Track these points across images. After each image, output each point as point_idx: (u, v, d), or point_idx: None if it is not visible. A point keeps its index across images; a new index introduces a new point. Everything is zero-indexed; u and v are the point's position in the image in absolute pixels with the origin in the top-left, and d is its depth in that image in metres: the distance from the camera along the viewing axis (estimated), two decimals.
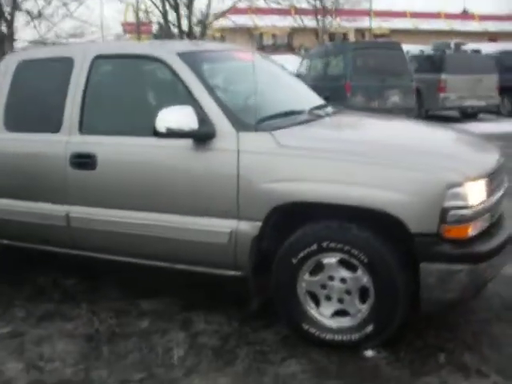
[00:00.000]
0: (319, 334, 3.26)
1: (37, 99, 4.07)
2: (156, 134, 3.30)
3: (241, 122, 3.39)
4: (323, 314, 3.26)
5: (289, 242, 3.24)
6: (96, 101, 3.80)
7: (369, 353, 3.19)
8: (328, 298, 3.24)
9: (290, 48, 31.44)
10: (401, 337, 3.28)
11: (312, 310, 3.28)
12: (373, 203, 3.01)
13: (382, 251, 3.06)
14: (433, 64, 12.85)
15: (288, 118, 3.63)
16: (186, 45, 4.06)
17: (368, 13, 32.32)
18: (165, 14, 19.56)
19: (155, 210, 3.55)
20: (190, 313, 3.77)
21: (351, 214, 3.10)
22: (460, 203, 2.94)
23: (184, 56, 3.61)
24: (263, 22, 28.07)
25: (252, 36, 31.52)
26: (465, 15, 40.31)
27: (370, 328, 3.15)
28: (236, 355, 3.25)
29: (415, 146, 3.39)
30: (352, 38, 31.51)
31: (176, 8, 19.19)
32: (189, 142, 3.40)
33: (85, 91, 3.77)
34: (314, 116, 3.83)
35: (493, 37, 34.11)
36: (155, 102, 3.78)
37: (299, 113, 3.78)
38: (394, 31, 34.60)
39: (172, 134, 3.29)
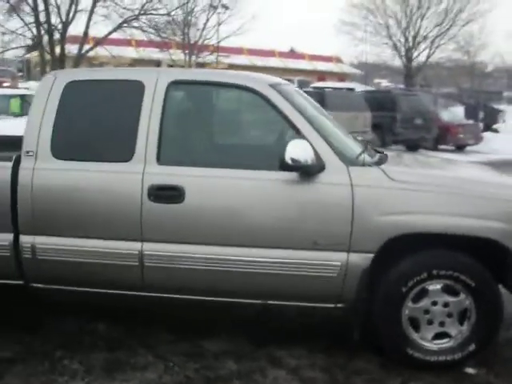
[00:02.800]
0: (423, 357, 3.49)
1: (94, 125, 3.74)
2: (283, 166, 3.33)
3: (345, 156, 3.53)
4: (425, 338, 3.51)
5: (398, 272, 3.44)
6: (178, 130, 3.63)
7: (470, 370, 3.50)
8: (430, 323, 3.50)
9: None
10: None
11: (414, 335, 3.50)
12: (480, 232, 3.37)
13: (486, 275, 3.42)
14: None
15: (371, 155, 3.83)
16: (268, 76, 3.90)
17: (211, 47, 33.35)
18: (39, 38, 18.26)
19: (254, 245, 3.48)
20: (265, 349, 3.75)
21: (455, 242, 3.42)
22: None
23: (276, 87, 3.63)
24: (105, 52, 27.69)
25: (92, 66, 30.72)
26: (294, 54, 43.73)
27: (472, 347, 3.47)
28: None
29: (491, 180, 3.85)
30: None
31: (50, 33, 18.05)
32: (292, 175, 3.43)
33: (162, 119, 3.55)
34: (383, 155, 4.07)
35: (321, 75, 37.33)
36: (250, 133, 3.73)
37: (371, 150, 4.00)
38: (232, 66, 36.17)
39: (296, 167, 3.33)
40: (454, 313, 3.48)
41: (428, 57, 32.69)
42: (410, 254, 3.45)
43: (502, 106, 25.74)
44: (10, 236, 3.67)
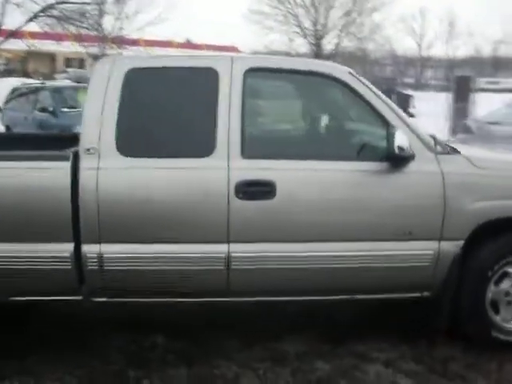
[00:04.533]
0: (506, 337, 3.55)
1: (164, 117, 3.36)
2: (389, 156, 3.21)
3: (429, 144, 3.48)
4: (505, 319, 3.57)
5: (485, 257, 3.47)
6: (260, 120, 3.37)
7: None
8: (509, 304, 3.56)
9: (24, 72, 29.13)
10: None
11: (496, 317, 3.55)
12: None
13: None
14: None
15: (441, 144, 3.79)
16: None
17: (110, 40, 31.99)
18: None
19: (351, 239, 3.35)
20: (343, 345, 3.63)
21: None
22: None
23: (354, 75, 3.47)
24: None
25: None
26: (192, 44, 43.93)
27: None
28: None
29: None
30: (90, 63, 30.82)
31: None
32: (382, 165, 3.34)
33: (242, 108, 3.27)
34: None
35: None
36: (336, 122, 3.53)
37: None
38: None
39: (401, 157, 3.23)
40: None
41: (337, 45, 33.72)
42: (494, 238, 3.48)
43: (409, 92, 27.10)
44: (69, 246, 3.21)
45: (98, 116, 3.23)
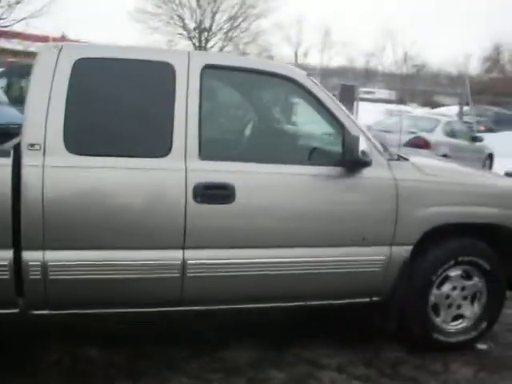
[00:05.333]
0: (446, 339, 3.70)
1: (117, 113, 3.08)
2: (353, 161, 3.19)
3: (381, 150, 3.51)
4: (446, 322, 3.71)
5: (429, 261, 3.57)
6: (219, 121, 3.20)
7: (482, 346, 3.81)
8: (449, 306, 3.71)
9: None
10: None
11: (437, 319, 3.68)
12: (499, 220, 3.69)
13: (497, 258, 3.75)
14: None
15: (389, 150, 3.80)
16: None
17: None
18: None
19: (308, 245, 3.29)
20: (291, 352, 3.57)
21: (473, 230, 3.69)
22: None
23: (310, 78, 3.41)
24: None
25: None
26: (66, 39, 41.50)
27: (484, 325, 3.78)
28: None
29: (476, 171, 4.20)
30: None
31: None
32: (337, 170, 3.32)
33: (200, 107, 3.08)
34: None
35: None
36: (294, 126, 3.44)
37: None
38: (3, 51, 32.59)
39: (365, 163, 3.21)
40: (468, 295, 3.74)
41: (221, 49, 33.54)
42: (439, 244, 3.60)
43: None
44: (8, 253, 2.84)
45: (43, 109, 2.89)
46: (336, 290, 3.45)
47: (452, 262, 3.62)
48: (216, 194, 3.07)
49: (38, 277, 2.88)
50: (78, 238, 2.92)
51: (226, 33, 33.30)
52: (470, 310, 3.76)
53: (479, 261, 3.68)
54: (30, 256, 2.86)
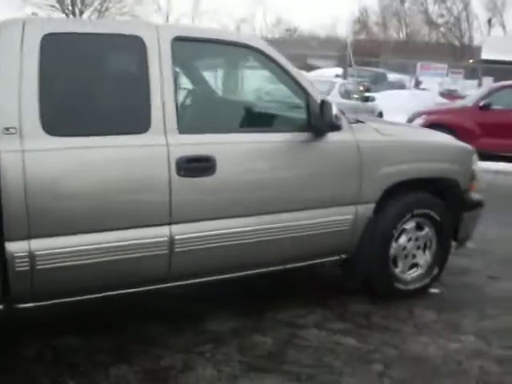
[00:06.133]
0: (405, 287, 3.99)
1: (91, 90, 2.92)
2: (331, 126, 3.29)
3: (343, 114, 3.64)
4: (404, 272, 3.99)
5: (389, 217, 3.80)
6: (192, 93, 3.13)
7: (435, 290, 4.15)
8: (405, 257, 3.99)
9: None
10: None
11: (396, 270, 3.95)
12: (447, 174, 4.00)
13: (445, 210, 4.07)
14: None
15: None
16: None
17: None
18: None
19: (285, 210, 3.37)
20: (270, 317, 3.68)
21: (425, 184, 3.96)
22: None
23: (271, 46, 3.44)
24: None
25: None
26: None
27: (435, 271, 4.11)
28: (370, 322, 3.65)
29: (422, 130, 4.47)
30: None
31: None
32: (306, 135, 3.40)
33: (175, 82, 3.02)
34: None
35: None
36: (262, 94, 3.43)
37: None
38: None
39: (334, 127, 3.32)
40: (421, 245, 4.04)
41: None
42: (398, 199, 3.83)
43: None
44: None
45: (14, 89, 2.67)
46: (311, 251, 3.58)
47: (408, 216, 3.88)
48: (198, 166, 3.05)
49: (25, 268, 2.71)
50: (64, 223, 2.77)
51: (101, 4, 31.84)
52: (423, 259, 4.06)
53: (431, 213, 3.97)
54: (15, 247, 2.68)
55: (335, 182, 3.53)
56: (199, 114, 3.32)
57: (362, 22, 38.78)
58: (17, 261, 2.68)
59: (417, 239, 4.00)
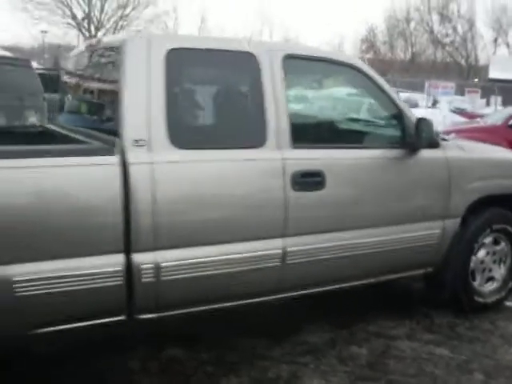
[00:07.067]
0: (484, 300, 4.06)
1: (211, 104, 3.05)
2: (432, 143, 3.39)
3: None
4: (481, 285, 4.07)
5: (472, 231, 3.89)
6: (302, 110, 3.23)
7: (510, 303, 4.22)
8: (483, 271, 4.07)
9: None
10: None
11: (475, 283, 4.03)
12: None
13: None
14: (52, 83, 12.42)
15: None
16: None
17: None
18: None
19: (378, 224, 3.45)
20: (362, 329, 3.75)
21: (502, 200, 4.05)
22: None
23: (369, 66, 3.58)
24: None
25: None
26: None
27: (510, 284, 4.18)
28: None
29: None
30: None
31: None
32: (402, 151, 3.50)
33: (287, 97, 3.11)
34: None
35: None
36: (365, 111, 3.54)
37: None
38: None
39: (434, 144, 3.43)
40: (497, 259, 4.12)
41: None
42: (480, 215, 3.92)
43: None
44: (119, 258, 2.71)
45: (142, 103, 2.77)
46: (400, 265, 3.67)
47: (488, 231, 3.97)
48: (310, 181, 3.14)
49: (151, 279, 2.78)
50: (188, 234, 2.85)
51: (116, 22, 32.22)
52: (499, 273, 4.14)
53: (508, 228, 4.06)
54: (142, 258, 2.75)
55: (427, 197, 3.62)
56: (309, 130, 3.42)
57: (369, 41, 39.24)
58: (143, 272, 2.76)
59: (494, 253, 4.09)
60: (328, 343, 3.53)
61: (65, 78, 3.94)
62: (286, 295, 3.28)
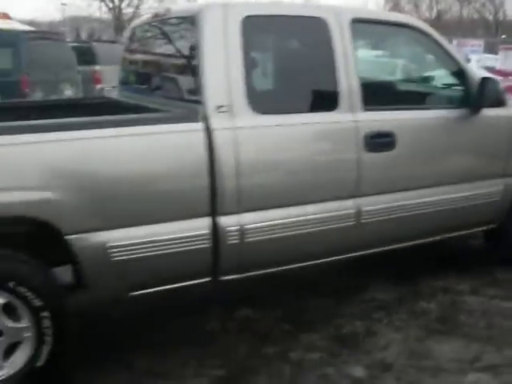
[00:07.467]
0: None
1: (286, 70, 3.14)
2: (499, 103, 3.45)
3: None
4: None
5: None
6: (370, 73, 3.29)
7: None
8: None
9: None
10: None
11: None
12: None
13: None
14: (83, 55, 12.54)
15: None
16: None
17: None
18: None
19: (445, 183, 3.52)
20: (427, 285, 3.83)
21: None
22: None
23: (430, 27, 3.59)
24: None
25: None
26: None
27: None
28: None
29: None
30: None
31: None
32: (466, 111, 3.52)
33: (355, 61, 3.17)
34: None
35: None
36: (429, 72, 3.58)
37: None
38: None
39: (502, 103, 3.47)
40: None
41: (137, 7, 32.24)
42: None
43: None
44: (206, 221, 2.82)
45: (222, 69, 2.84)
46: (467, 222, 3.74)
47: None
48: (381, 142, 3.21)
49: (236, 241, 2.89)
50: (269, 196, 2.96)
51: None
52: None
53: None
54: (227, 221, 2.86)
55: (491, 155, 3.68)
56: (377, 92, 3.47)
57: (393, 0, 38.49)
58: (228, 234, 2.87)
59: None
60: (396, 300, 3.64)
61: (126, 49, 3.99)
62: (360, 253, 3.38)
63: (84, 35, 34.72)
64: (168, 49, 3.35)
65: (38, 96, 10.52)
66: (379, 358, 3.00)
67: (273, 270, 3.12)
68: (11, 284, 2.47)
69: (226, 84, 2.84)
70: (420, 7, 40.28)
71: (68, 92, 11.31)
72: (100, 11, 33.09)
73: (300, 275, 3.78)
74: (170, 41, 3.35)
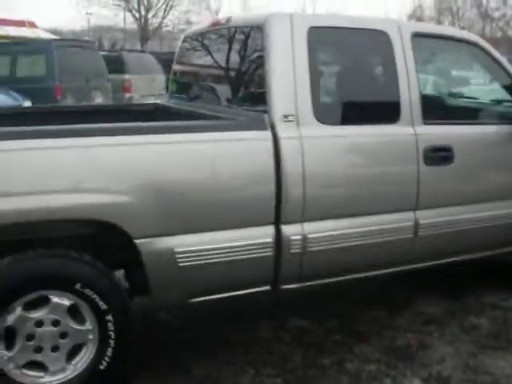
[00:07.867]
0: None
1: (350, 81, 3.18)
2: None
3: None
4: None
5: None
6: (431, 85, 3.31)
7: None
8: None
9: None
10: None
11: None
12: None
13: None
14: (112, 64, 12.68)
15: None
16: None
17: None
18: None
19: (496, 199, 3.51)
20: (475, 300, 3.84)
21: None
22: None
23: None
24: None
25: None
26: None
27: None
28: None
29: None
30: None
31: None
32: None
33: (416, 74, 3.19)
34: None
35: None
36: (488, 87, 3.60)
37: None
38: None
39: None
40: None
41: (163, 18, 32.68)
42: None
43: None
44: (270, 229, 2.85)
45: (290, 80, 2.88)
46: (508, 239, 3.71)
47: None
48: (440, 156, 3.24)
49: (298, 251, 2.91)
50: (332, 206, 2.99)
51: (167, 2, 32.46)
52: None
53: None
54: (291, 230, 2.88)
55: None
56: (437, 106, 3.53)
57: (416, 17, 38.47)
58: (291, 243, 2.89)
59: None
60: (445, 314, 3.63)
61: (178, 57, 4.03)
62: (414, 266, 3.39)
63: (106, 45, 35.11)
64: (230, 58, 3.39)
65: (69, 103, 10.69)
66: (436, 371, 3.00)
67: (331, 280, 3.13)
68: (78, 286, 2.51)
69: (293, 93, 2.88)
70: (443, 24, 40.21)
71: (99, 99, 11.45)
72: (125, 21, 33.51)
73: (351, 286, 3.79)
74: (232, 50, 3.39)
